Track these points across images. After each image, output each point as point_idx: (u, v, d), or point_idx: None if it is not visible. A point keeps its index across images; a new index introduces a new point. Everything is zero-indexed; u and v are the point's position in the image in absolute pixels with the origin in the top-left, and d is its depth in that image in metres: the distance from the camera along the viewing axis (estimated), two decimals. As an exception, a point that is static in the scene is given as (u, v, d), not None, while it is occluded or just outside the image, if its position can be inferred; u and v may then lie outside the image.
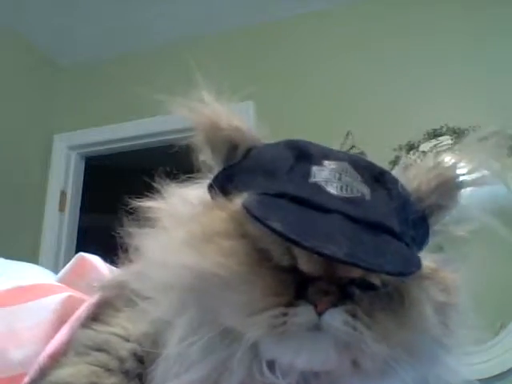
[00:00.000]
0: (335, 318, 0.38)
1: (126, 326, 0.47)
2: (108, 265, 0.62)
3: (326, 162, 0.45)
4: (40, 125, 2.69)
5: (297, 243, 0.38)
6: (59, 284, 0.59)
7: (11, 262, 0.75)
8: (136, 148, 2.69)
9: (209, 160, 0.50)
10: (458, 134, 2.03)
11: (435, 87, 2.13)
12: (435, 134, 2.06)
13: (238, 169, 0.47)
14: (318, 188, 0.43)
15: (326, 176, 0.44)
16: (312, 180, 0.44)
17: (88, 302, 0.51)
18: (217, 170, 0.49)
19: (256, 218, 0.40)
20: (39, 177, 2.64)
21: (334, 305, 0.38)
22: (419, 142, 2.06)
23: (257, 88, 2.53)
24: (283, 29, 2.47)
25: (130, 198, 0.51)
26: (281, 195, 0.42)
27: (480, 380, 1.44)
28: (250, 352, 0.40)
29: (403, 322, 0.40)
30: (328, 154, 0.47)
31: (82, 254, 0.64)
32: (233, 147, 0.48)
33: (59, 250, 2.55)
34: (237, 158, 0.48)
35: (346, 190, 0.43)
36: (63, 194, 2.65)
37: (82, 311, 0.50)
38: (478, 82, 2.08)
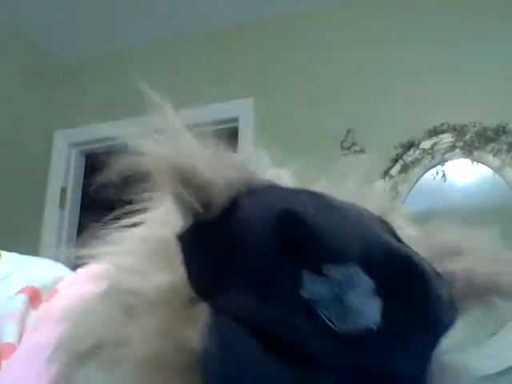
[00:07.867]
0: None
1: None
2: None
3: (325, 268, 0.31)
4: (40, 122, 2.68)
5: None
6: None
7: (26, 257, 0.67)
8: (136, 145, 2.69)
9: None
10: (458, 131, 2.02)
11: (435, 85, 2.13)
12: (436, 132, 2.05)
13: (212, 236, 0.33)
14: (307, 320, 0.31)
15: (322, 294, 0.31)
16: (299, 300, 0.31)
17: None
18: (182, 219, 0.34)
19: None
20: (39, 173, 2.64)
21: None
22: (420, 139, 2.06)
23: (257, 85, 2.53)
24: (284, 26, 2.46)
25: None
26: (258, 331, 0.31)
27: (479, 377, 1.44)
28: None
29: None
30: (332, 248, 0.32)
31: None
32: (204, 205, 0.33)
33: (59, 247, 2.55)
34: (213, 213, 0.33)
35: (347, 320, 0.31)
36: (63, 190, 2.65)
37: None
38: (478, 80, 2.08)
